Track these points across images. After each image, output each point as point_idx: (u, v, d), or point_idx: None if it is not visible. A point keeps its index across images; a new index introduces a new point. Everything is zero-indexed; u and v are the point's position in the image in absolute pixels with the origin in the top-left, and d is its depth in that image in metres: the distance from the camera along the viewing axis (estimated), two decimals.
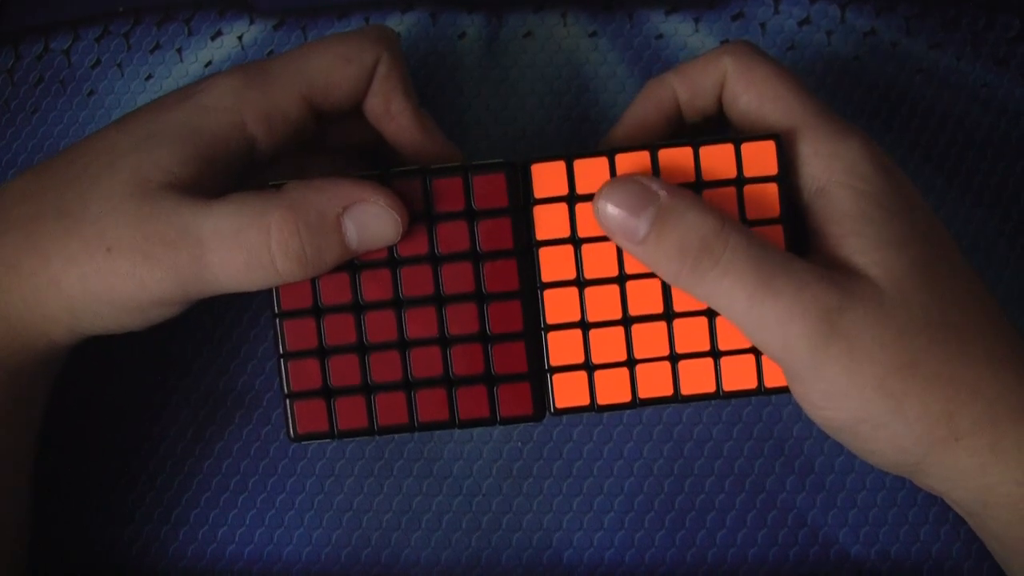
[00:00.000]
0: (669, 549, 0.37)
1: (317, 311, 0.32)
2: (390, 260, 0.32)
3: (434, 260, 0.32)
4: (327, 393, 0.32)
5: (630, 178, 0.30)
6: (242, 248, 0.30)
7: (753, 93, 0.32)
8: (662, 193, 0.30)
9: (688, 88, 0.34)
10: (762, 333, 0.29)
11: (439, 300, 0.32)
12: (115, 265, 0.30)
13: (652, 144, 0.32)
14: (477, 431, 0.38)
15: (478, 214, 0.32)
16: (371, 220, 0.30)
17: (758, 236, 0.30)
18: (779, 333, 0.29)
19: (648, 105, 0.35)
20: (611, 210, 0.30)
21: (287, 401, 0.32)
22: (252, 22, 0.44)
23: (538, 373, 0.32)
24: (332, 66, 0.33)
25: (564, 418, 0.38)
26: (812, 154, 0.31)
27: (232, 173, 0.33)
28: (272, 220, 0.30)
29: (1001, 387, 0.30)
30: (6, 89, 0.43)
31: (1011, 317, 0.38)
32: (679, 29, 0.43)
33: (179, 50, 0.44)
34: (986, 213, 0.40)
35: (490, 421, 0.32)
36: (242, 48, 0.44)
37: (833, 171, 0.31)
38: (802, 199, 0.32)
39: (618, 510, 0.37)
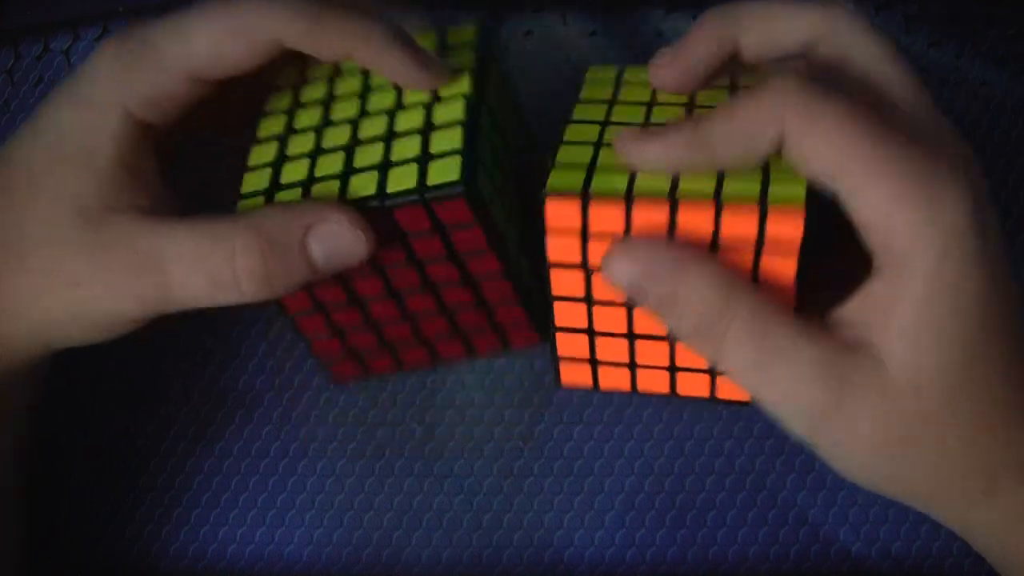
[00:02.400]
0: (670, 547, 0.37)
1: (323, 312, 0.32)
2: (375, 268, 0.32)
3: (418, 264, 0.32)
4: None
5: (641, 245, 0.29)
6: (207, 272, 0.29)
7: (819, 157, 0.27)
8: (671, 266, 0.28)
9: (759, 39, 0.31)
10: (761, 402, 0.29)
11: (431, 286, 0.33)
12: (78, 297, 0.31)
13: (672, 198, 0.29)
14: (478, 429, 0.38)
15: (449, 228, 0.31)
16: (336, 240, 0.30)
17: (765, 310, 0.28)
18: (775, 410, 0.29)
19: (701, 50, 0.32)
20: (619, 274, 0.29)
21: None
22: None
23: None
24: (218, 41, 0.32)
25: (564, 416, 0.38)
26: (878, 218, 0.27)
27: (158, 152, 0.33)
28: (236, 244, 0.29)
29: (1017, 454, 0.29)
30: (6, 89, 0.43)
31: None
32: (679, 28, 0.43)
33: None
34: None
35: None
36: None
37: (892, 245, 0.27)
38: (878, 262, 0.28)
39: (619, 509, 0.37)
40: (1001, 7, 0.41)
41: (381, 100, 0.33)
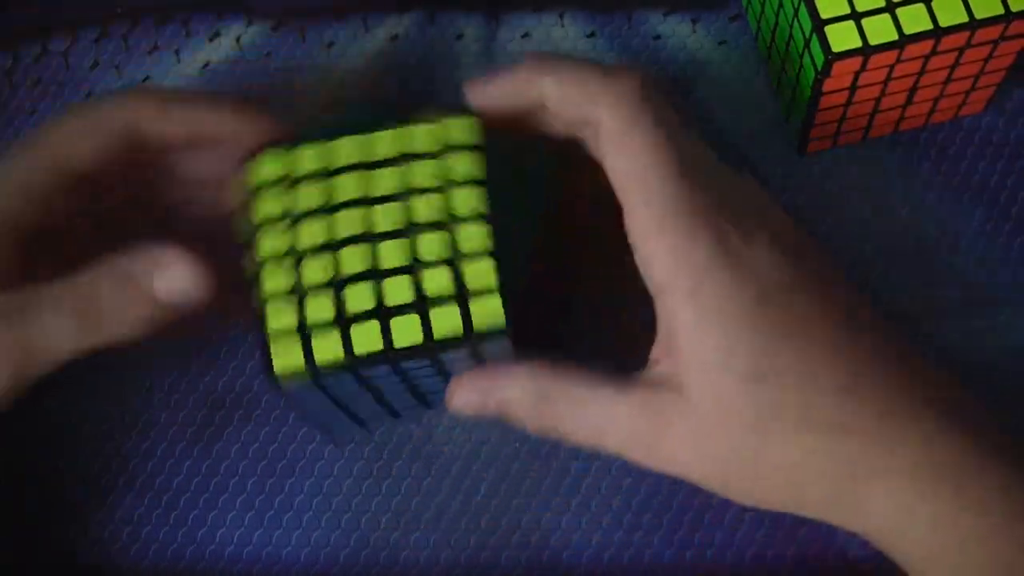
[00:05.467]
0: (667, 549, 0.37)
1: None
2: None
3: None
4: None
5: (469, 376, 0.32)
6: (76, 310, 0.31)
7: (620, 162, 0.30)
8: (488, 384, 0.32)
9: (557, 102, 0.32)
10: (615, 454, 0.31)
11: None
12: None
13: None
14: (475, 431, 0.38)
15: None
16: (178, 278, 0.32)
17: (578, 386, 0.31)
18: (626, 458, 0.31)
19: (510, 95, 0.33)
20: (464, 407, 0.32)
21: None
22: (250, 23, 0.44)
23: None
24: (76, 133, 0.34)
25: None
26: (661, 252, 0.29)
27: (27, 248, 0.33)
28: (101, 285, 0.31)
29: (845, 459, 0.29)
30: (4, 91, 0.43)
31: (1008, 317, 0.39)
32: (677, 30, 0.43)
33: (176, 51, 0.44)
34: (984, 212, 0.40)
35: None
36: (240, 49, 0.44)
37: (680, 274, 0.29)
38: (651, 291, 0.31)
39: (616, 510, 0.37)
40: None
41: (389, 213, 0.32)
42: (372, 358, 0.30)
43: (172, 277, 0.32)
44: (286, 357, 0.30)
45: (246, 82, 0.43)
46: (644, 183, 0.30)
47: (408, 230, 0.32)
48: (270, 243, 0.32)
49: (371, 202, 0.32)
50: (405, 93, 0.43)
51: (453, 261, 0.31)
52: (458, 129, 0.33)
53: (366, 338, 0.31)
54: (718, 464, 0.30)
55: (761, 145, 0.41)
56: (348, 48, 0.43)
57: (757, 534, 0.37)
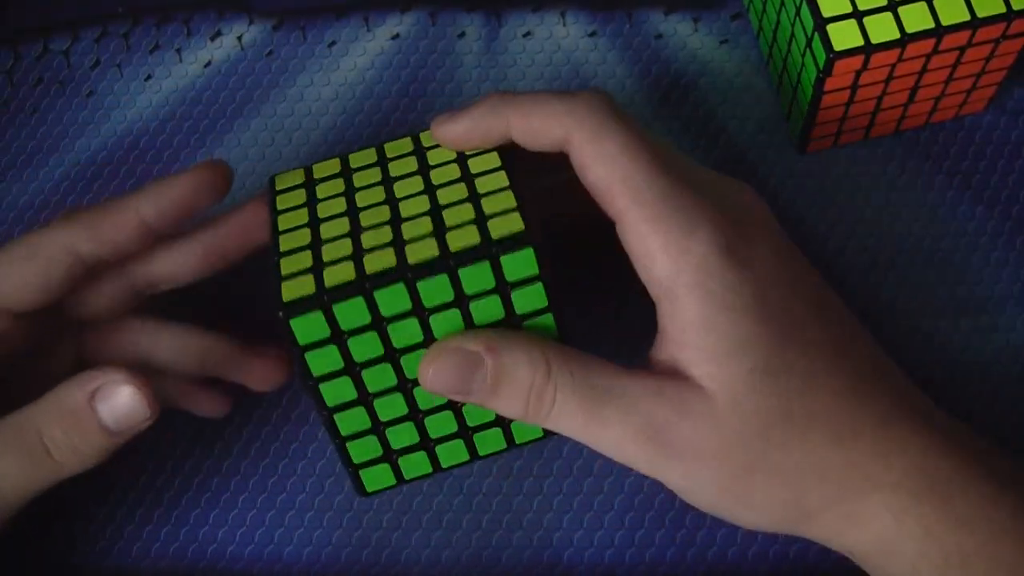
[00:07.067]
0: (669, 548, 0.37)
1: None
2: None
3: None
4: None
5: (451, 347, 0.29)
6: (24, 452, 0.31)
7: (602, 170, 0.30)
8: (488, 358, 0.29)
9: (524, 134, 0.31)
10: (603, 452, 0.30)
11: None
12: None
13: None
14: None
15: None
16: (118, 400, 0.31)
17: (586, 365, 0.29)
18: (617, 454, 0.30)
19: (476, 131, 0.32)
20: (439, 385, 0.29)
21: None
22: (251, 23, 0.44)
23: None
24: (15, 272, 0.32)
25: None
26: (660, 250, 0.29)
27: None
28: (39, 422, 0.31)
29: (847, 465, 0.29)
30: (5, 90, 0.43)
31: (1009, 316, 0.39)
32: (678, 29, 0.43)
33: (178, 50, 0.44)
34: (985, 212, 0.40)
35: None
36: (241, 48, 0.44)
37: (682, 271, 0.29)
38: (652, 292, 0.30)
39: (618, 509, 0.37)
40: None
41: (409, 185, 0.32)
42: (384, 275, 0.29)
43: (116, 403, 0.31)
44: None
45: (248, 81, 0.43)
46: (630, 184, 0.29)
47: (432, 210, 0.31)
48: (289, 243, 0.31)
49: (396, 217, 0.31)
50: (406, 92, 0.43)
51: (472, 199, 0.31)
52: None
53: (383, 258, 0.29)
54: (729, 460, 0.29)
55: (762, 144, 0.41)
56: (350, 47, 0.43)
57: (759, 533, 0.37)
